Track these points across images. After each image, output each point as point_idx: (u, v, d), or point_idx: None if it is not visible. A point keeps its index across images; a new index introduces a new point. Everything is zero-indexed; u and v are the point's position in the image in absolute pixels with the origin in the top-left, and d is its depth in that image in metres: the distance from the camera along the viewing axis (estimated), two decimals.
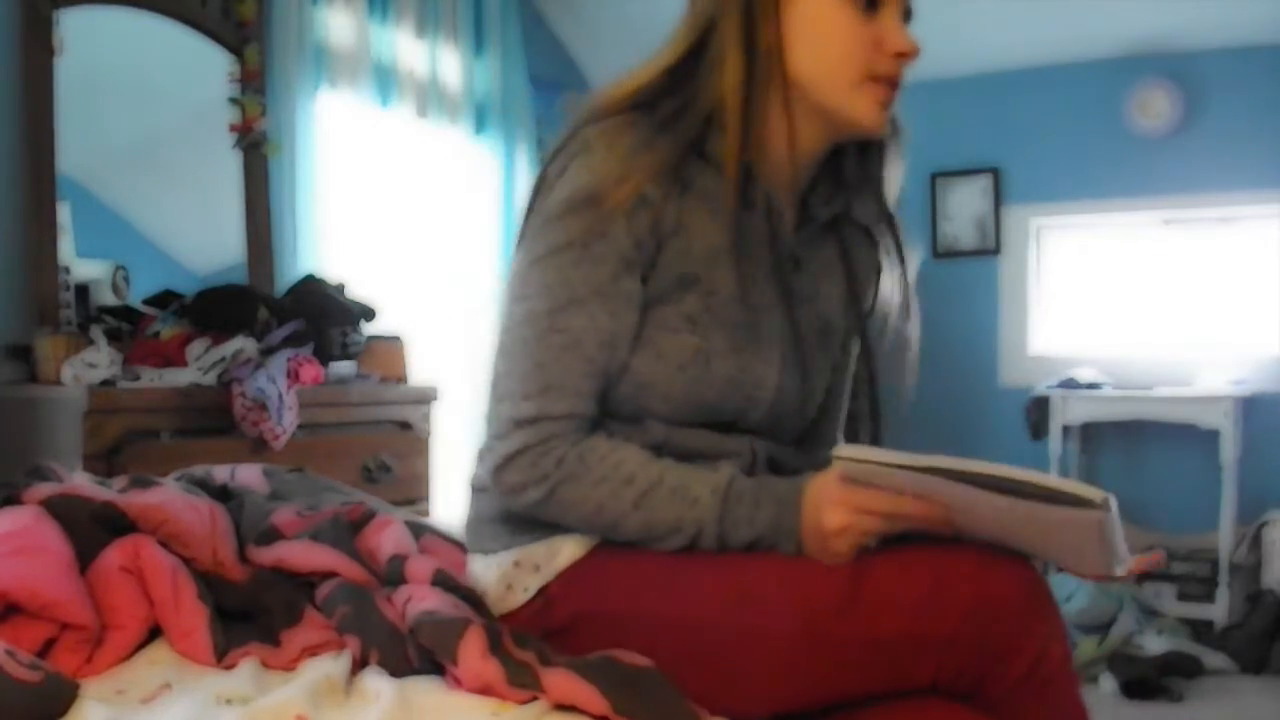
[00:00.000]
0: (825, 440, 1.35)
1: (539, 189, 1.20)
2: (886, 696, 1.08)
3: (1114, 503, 0.99)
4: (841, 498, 1.07)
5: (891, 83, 1.19)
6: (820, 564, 1.09)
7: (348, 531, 1.36)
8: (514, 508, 1.19)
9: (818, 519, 1.08)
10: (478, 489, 1.27)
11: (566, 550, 1.19)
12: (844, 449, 1.10)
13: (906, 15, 1.21)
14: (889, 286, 1.33)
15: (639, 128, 1.15)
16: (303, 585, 1.28)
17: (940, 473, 1.03)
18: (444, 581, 1.21)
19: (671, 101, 1.17)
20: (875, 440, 1.34)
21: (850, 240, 1.31)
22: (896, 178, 1.29)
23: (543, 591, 1.19)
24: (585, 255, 1.12)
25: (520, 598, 1.20)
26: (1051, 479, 1.01)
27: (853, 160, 1.28)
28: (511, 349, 1.16)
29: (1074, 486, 1.00)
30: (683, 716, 1.03)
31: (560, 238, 1.13)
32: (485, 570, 1.23)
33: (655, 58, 1.21)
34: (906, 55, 1.18)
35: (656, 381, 1.17)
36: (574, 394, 1.14)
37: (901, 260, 1.32)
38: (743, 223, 1.17)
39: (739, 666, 1.09)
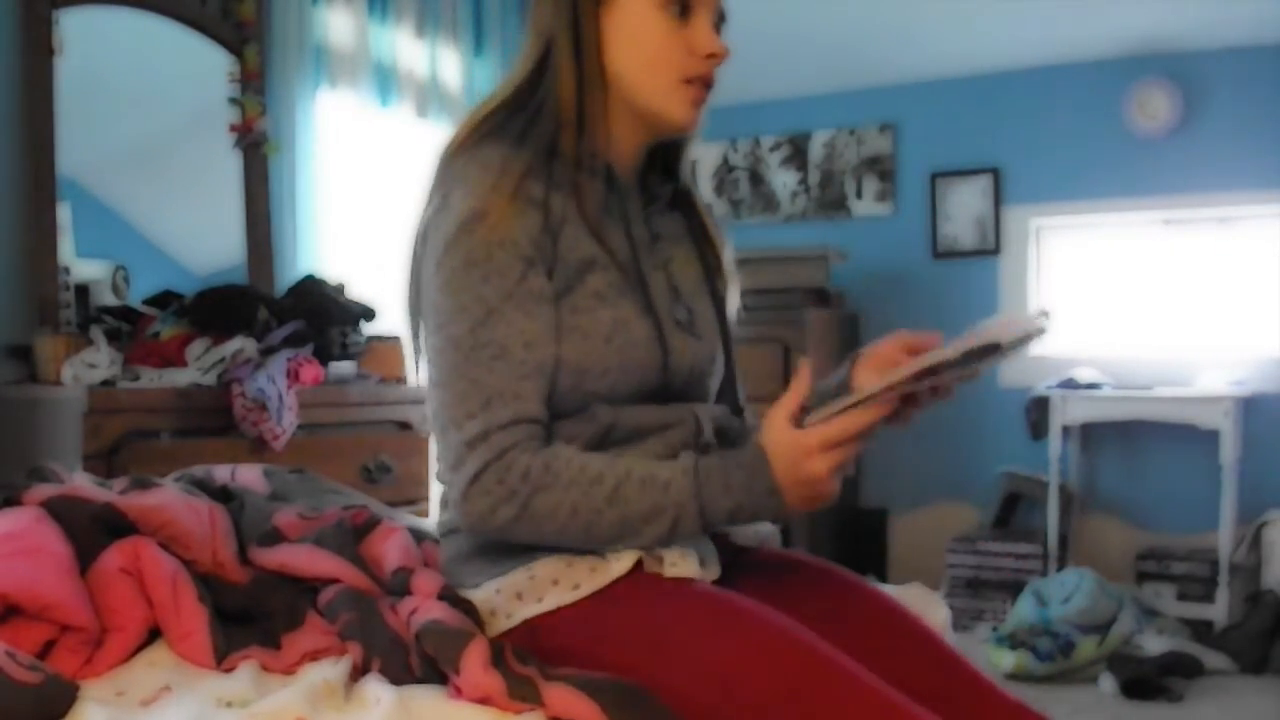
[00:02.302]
0: (734, 400, 1.42)
1: (424, 231, 1.26)
2: None
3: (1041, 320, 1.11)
4: (818, 443, 1.13)
5: (705, 83, 1.29)
6: (810, 664, 1.08)
7: (351, 537, 1.36)
8: (488, 535, 1.19)
9: (803, 472, 1.13)
10: (446, 533, 1.31)
11: (553, 591, 1.19)
12: (814, 417, 1.15)
13: (721, 19, 1.31)
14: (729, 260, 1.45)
15: (500, 144, 1.24)
16: (305, 589, 1.28)
17: (888, 390, 1.11)
18: (450, 597, 1.21)
19: (523, 115, 1.27)
20: (734, 405, 1.42)
21: (693, 216, 1.43)
22: (689, 163, 1.42)
23: (528, 621, 1.19)
24: (489, 268, 1.18)
25: (503, 624, 1.20)
26: (969, 340, 1.09)
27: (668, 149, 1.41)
28: (444, 378, 1.19)
29: (993, 334, 1.09)
30: None
31: (460, 259, 1.18)
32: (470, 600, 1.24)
33: (506, 78, 1.32)
34: (717, 57, 1.28)
35: (590, 362, 1.21)
36: (514, 398, 1.16)
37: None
38: (606, 204, 1.27)
39: None
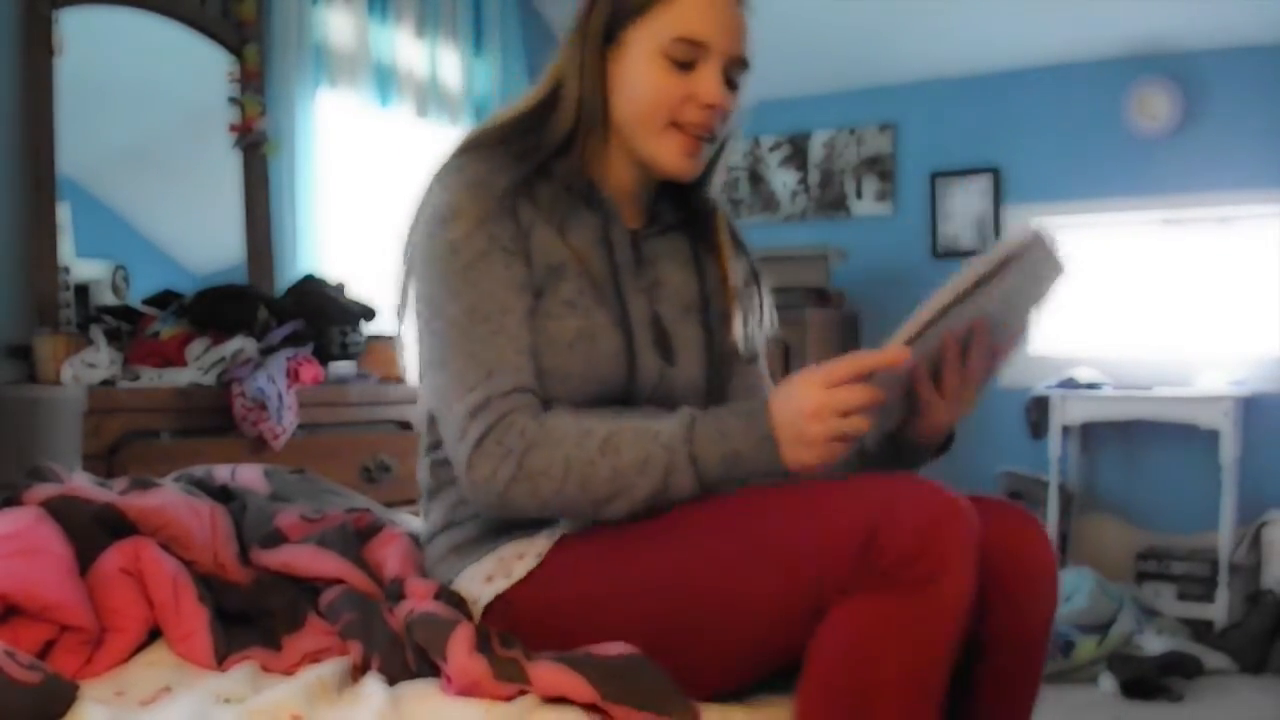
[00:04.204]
0: None
1: (410, 235, 1.31)
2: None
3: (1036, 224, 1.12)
4: (811, 377, 1.12)
5: (699, 132, 1.29)
6: (765, 507, 1.11)
7: (354, 540, 1.36)
8: (492, 506, 1.20)
9: (793, 406, 1.12)
10: (428, 540, 1.34)
11: (519, 565, 1.22)
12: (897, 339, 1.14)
13: (742, 67, 1.30)
14: (739, 283, 1.43)
15: (491, 157, 1.28)
16: (306, 590, 1.28)
17: (932, 322, 1.12)
18: (445, 596, 1.22)
19: (530, 138, 1.30)
20: None
21: (700, 241, 1.42)
22: (718, 178, 1.42)
23: (500, 597, 1.22)
24: (473, 253, 1.22)
25: (479, 609, 1.22)
26: (986, 257, 1.11)
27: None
28: (444, 357, 1.22)
29: (1007, 246, 1.11)
30: (670, 699, 1.05)
31: (447, 250, 1.23)
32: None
33: (511, 106, 1.35)
34: (714, 108, 1.28)
35: (553, 366, 1.24)
36: (514, 369, 1.20)
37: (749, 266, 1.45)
38: (585, 223, 1.30)
39: (694, 617, 1.11)
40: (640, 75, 1.27)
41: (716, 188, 1.42)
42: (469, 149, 1.31)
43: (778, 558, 1.07)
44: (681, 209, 1.40)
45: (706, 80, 1.26)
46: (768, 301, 1.46)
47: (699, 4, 1.26)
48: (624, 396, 1.28)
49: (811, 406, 1.11)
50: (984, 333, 1.20)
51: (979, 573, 1.06)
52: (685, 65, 1.26)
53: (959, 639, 1.06)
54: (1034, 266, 1.15)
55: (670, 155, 1.29)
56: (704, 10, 1.26)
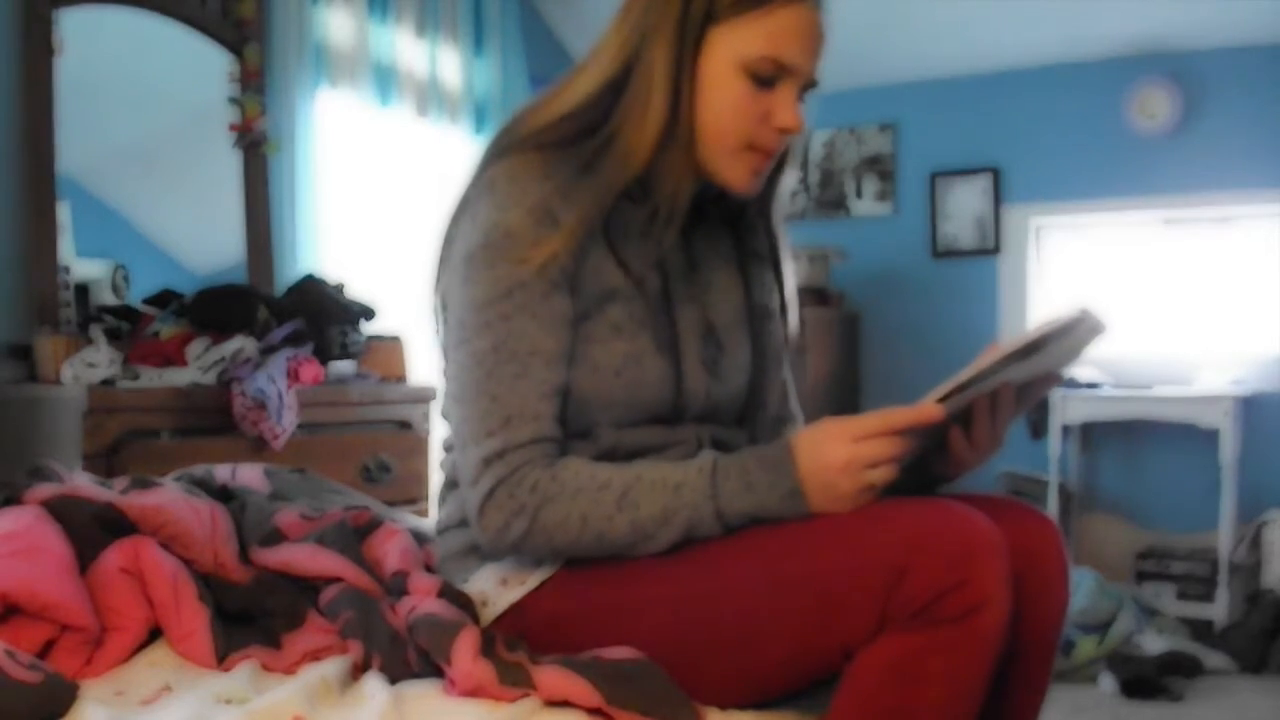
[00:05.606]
0: (757, 417, 1.38)
1: (450, 236, 1.25)
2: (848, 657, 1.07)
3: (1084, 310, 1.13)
4: (839, 430, 1.11)
5: (769, 153, 1.25)
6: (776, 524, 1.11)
7: (354, 537, 1.36)
8: (504, 550, 1.20)
9: (821, 460, 1.10)
10: (442, 530, 1.32)
11: (536, 573, 1.21)
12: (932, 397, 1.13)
13: (811, 85, 1.24)
14: (786, 280, 1.41)
15: (539, 158, 1.20)
16: (305, 589, 1.28)
17: (969, 383, 1.10)
18: (449, 594, 1.22)
19: (578, 134, 1.22)
20: (749, 423, 1.38)
21: (744, 237, 1.38)
22: (785, 187, 1.36)
23: (514, 605, 1.21)
24: (513, 285, 1.17)
25: (493, 612, 1.22)
26: (1033, 331, 1.10)
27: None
28: (465, 393, 1.19)
29: (1054, 323, 1.09)
30: (675, 703, 1.05)
31: (486, 276, 1.17)
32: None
33: (568, 89, 1.25)
34: (789, 131, 1.23)
35: (596, 393, 1.20)
36: (534, 418, 1.17)
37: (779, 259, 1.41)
38: (637, 230, 1.23)
39: (712, 640, 1.11)
40: (722, 88, 1.20)
41: (783, 195, 1.37)
42: (522, 146, 1.22)
43: (804, 592, 1.07)
44: (719, 201, 1.33)
45: (785, 103, 1.21)
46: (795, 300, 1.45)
47: (792, 23, 1.19)
48: (669, 417, 1.25)
49: (840, 461, 1.09)
50: (1017, 387, 1.19)
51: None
52: (765, 82, 1.20)
53: (997, 661, 1.06)
54: (1078, 338, 1.16)
55: (739, 175, 1.24)
56: (795, 31, 1.19)
